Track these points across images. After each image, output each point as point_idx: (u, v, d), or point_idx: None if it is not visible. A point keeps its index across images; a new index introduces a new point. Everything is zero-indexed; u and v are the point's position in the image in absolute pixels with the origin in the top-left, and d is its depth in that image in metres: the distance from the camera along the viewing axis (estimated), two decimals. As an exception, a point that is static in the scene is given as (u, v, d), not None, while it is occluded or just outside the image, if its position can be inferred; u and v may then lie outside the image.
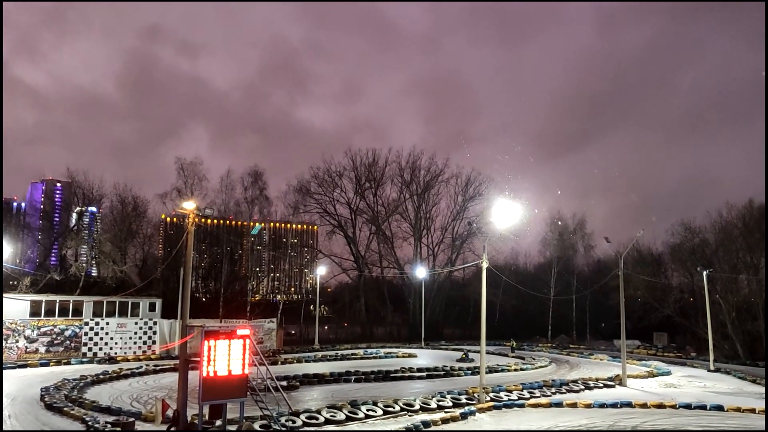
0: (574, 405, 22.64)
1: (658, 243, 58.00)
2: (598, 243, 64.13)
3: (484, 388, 23.06)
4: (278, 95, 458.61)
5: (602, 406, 22.53)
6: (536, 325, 61.76)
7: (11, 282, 41.66)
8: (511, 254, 68.92)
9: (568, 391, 26.15)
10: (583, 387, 27.14)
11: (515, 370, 34.32)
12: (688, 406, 22.53)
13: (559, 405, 22.66)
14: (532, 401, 23.07)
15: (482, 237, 27.30)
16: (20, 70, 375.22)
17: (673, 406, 22.63)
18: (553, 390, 25.90)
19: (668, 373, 33.78)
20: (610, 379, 29.32)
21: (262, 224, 41.25)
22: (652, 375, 32.87)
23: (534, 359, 40.07)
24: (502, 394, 23.92)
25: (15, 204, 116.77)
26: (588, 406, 22.53)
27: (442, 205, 66.95)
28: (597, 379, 29.04)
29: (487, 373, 25.82)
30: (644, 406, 22.72)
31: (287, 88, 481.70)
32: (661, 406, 22.71)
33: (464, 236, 65.23)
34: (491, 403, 22.04)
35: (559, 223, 65.14)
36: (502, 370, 33.53)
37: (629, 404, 22.85)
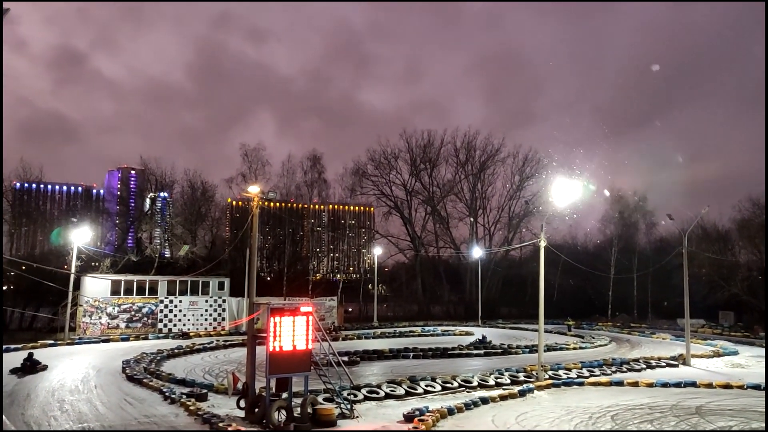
0: (635, 384, 22.30)
1: (725, 219, 55.68)
2: (661, 220, 62.18)
3: (542, 366, 23.06)
4: (341, 79, 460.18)
5: (665, 385, 22.08)
6: (596, 303, 60.67)
7: (93, 263, 44.43)
8: (570, 232, 67.72)
9: (629, 370, 25.75)
10: (644, 366, 26.64)
11: (574, 348, 34.00)
12: (756, 387, 21.65)
13: (619, 384, 22.39)
14: (592, 380, 22.85)
15: (540, 216, 27.08)
16: (99, 63, 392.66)
17: (740, 387, 21.86)
18: (614, 369, 25.55)
19: (735, 353, 32.67)
20: (673, 358, 28.66)
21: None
22: (717, 355, 31.86)
23: (593, 338, 39.51)
24: (560, 372, 23.82)
25: (94, 191, 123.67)
26: (650, 385, 22.13)
27: (498, 184, 66.63)
28: (659, 358, 28.44)
29: (545, 351, 25.80)
30: (709, 386, 22.10)
31: (350, 71, 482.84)
32: (727, 386, 22.01)
33: (521, 215, 64.60)
34: (550, 381, 21.95)
35: (622, 200, 63.43)
36: (561, 349, 33.28)
37: (693, 384, 22.30)
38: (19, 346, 29.89)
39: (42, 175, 51.55)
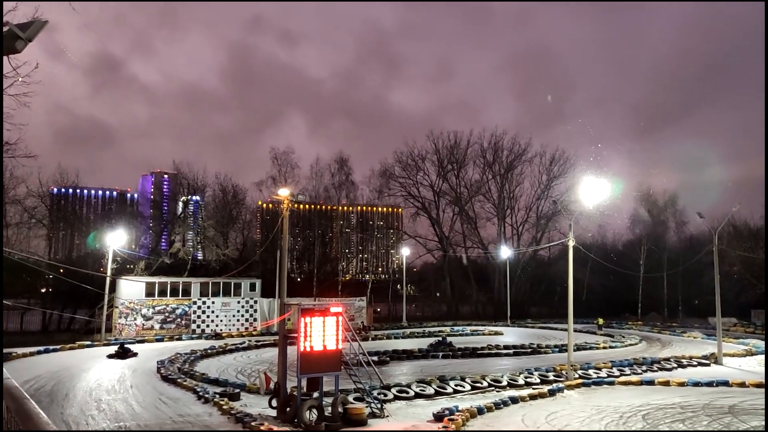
0: (666, 383, 22.10)
1: (756, 217, 54.46)
2: (691, 219, 61.12)
3: (572, 366, 23.00)
4: (372, 80, 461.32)
5: (696, 384, 21.84)
6: (625, 302, 59.89)
7: (128, 266, 45.63)
8: (599, 232, 66.98)
9: (660, 369, 25.47)
10: (675, 365, 26.34)
11: (604, 347, 33.70)
12: (791, 387, 21.33)
13: (650, 383, 22.20)
14: (622, 379, 22.69)
15: (568, 215, 26.86)
16: (135, 69, 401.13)
17: (774, 386, 21.59)
18: (644, 368, 25.31)
19: (769, 352, 32.02)
20: (704, 357, 28.24)
21: None
22: (750, 353, 31.24)
23: (623, 337, 39.03)
24: (590, 371, 23.70)
25: (129, 195, 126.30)
26: (681, 384, 21.91)
27: (526, 184, 66.44)
28: (691, 357, 28.07)
29: (574, 350, 25.68)
30: (742, 385, 21.77)
31: (380, 72, 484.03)
32: (760, 385, 21.53)
33: (549, 215, 64.13)
34: (580, 381, 21.87)
35: (651, 198, 62.59)
36: (590, 348, 33.02)
37: (726, 383, 21.98)
38: (58, 347, 31.17)
39: (78, 180, 53.08)
